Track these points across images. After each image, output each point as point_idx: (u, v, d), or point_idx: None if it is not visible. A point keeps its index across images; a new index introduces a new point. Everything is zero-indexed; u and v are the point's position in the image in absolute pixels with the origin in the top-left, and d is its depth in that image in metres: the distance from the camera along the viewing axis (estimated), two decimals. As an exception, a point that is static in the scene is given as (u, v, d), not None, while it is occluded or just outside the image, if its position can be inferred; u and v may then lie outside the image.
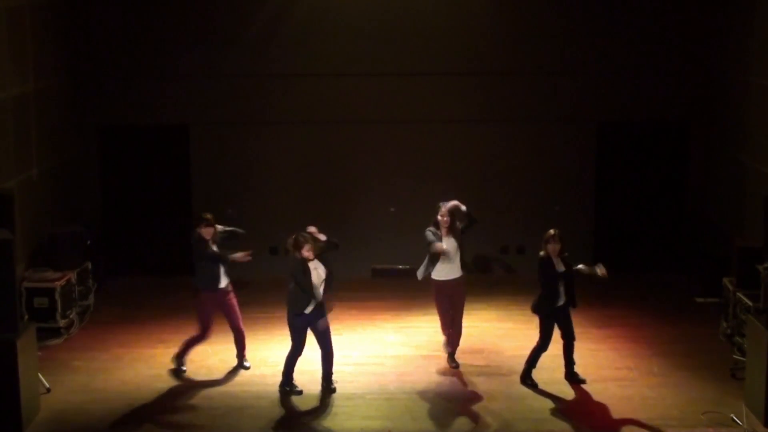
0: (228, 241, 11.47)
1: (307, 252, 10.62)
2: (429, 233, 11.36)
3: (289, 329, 10.95)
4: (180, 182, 15.20)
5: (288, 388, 10.95)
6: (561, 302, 10.90)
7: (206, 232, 11.25)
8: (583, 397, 10.84)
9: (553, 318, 10.95)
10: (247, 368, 11.62)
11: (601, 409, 10.54)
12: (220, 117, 14.99)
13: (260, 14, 14.77)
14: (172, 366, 11.56)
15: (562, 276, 10.80)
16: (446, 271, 11.40)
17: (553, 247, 10.78)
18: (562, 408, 10.61)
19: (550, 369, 11.23)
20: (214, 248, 11.28)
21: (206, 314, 11.43)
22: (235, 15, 14.78)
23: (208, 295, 11.35)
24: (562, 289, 10.85)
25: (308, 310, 10.71)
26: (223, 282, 11.39)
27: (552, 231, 10.86)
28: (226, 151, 15.12)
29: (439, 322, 11.75)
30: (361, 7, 14.77)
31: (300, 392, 10.92)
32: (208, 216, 11.33)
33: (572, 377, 11.16)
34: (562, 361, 11.28)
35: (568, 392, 10.94)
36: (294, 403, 10.70)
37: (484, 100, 14.95)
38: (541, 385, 11.03)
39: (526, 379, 11.11)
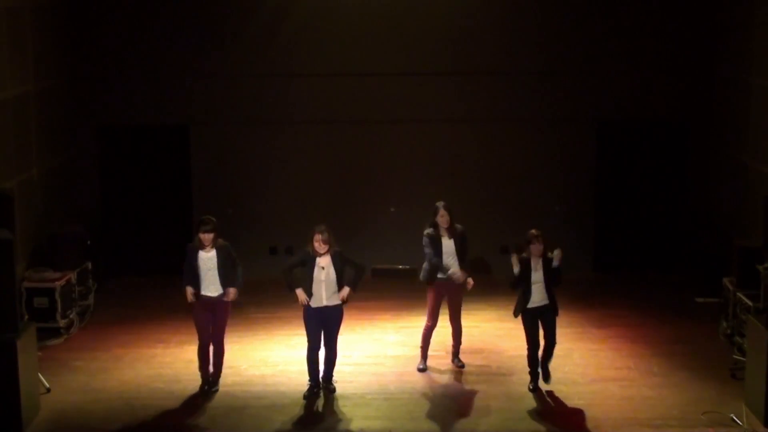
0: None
1: (316, 243, 10.60)
2: (425, 239, 11.32)
3: None
4: (180, 182, 15.20)
5: (310, 383, 10.89)
6: (538, 304, 10.78)
7: (204, 239, 10.73)
8: (583, 397, 10.84)
9: (529, 317, 10.82)
10: (215, 391, 11.07)
11: (601, 409, 10.53)
12: (220, 117, 14.99)
13: (260, 14, 14.77)
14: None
15: (539, 277, 10.73)
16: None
17: (536, 248, 10.70)
18: (562, 408, 10.61)
19: (551, 369, 11.21)
20: (209, 256, 10.78)
21: (193, 317, 11.08)
22: (235, 15, 14.79)
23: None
24: (537, 291, 10.74)
25: (312, 303, 10.69)
26: (208, 290, 10.85)
27: (534, 231, 10.76)
28: (226, 151, 15.12)
29: (426, 322, 11.58)
30: (361, 7, 14.77)
31: (314, 393, 10.85)
32: (207, 218, 10.85)
33: (543, 375, 11.02)
34: (561, 362, 11.29)
35: (568, 392, 10.93)
36: (294, 404, 10.69)
37: (484, 100, 14.95)
38: (541, 385, 11.01)
39: (530, 383, 11.05)
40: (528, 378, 11.06)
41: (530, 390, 10.95)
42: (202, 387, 11.01)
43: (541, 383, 11.01)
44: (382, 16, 14.79)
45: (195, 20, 14.77)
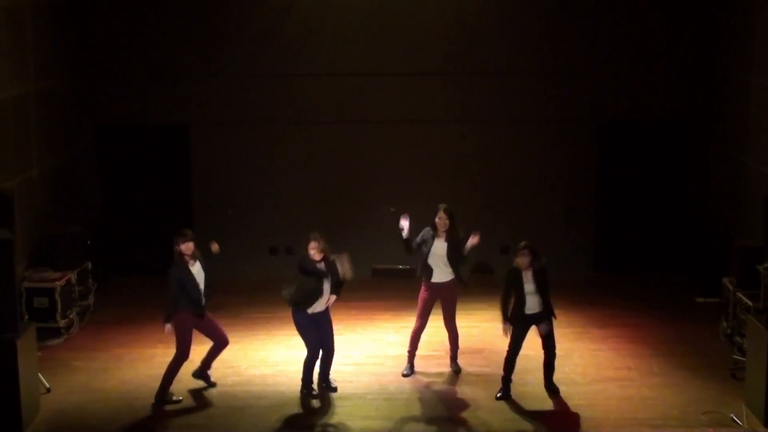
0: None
1: (312, 251, 10.59)
2: (421, 234, 11.34)
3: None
4: (180, 182, 15.20)
5: (305, 391, 10.87)
6: (533, 311, 10.64)
7: (185, 248, 10.68)
8: (583, 397, 10.84)
9: (521, 321, 10.67)
10: (213, 385, 11.16)
11: (601, 409, 10.54)
12: (220, 117, 14.99)
13: (260, 14, 14.77)
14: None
15: (530, 288, 10.61)
16: (437, 273, 11.33)
17: (521, 260, 10.56)
18: (562, 408, 10.62)
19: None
20: (198, 268, 10.74)
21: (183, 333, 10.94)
22: (235, 15, 14.78)
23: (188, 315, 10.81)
24: (530, 300, 10.61)
25: (309, 309, 10.68)
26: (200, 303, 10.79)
27: (522, 243, 10.63)
28: (226, 151, 15.12)
29: (414, 324, 11.53)
30: (360, 7, 14.77)
31: (314, 394, 10.86)
32: (186, 231, 10.81)
33: (548, 387, 10.98)
34: (561, 362, 11.26)
35: (568, 392, 10.93)
36: (294, 404, 10.70)
37: (484, 100, 14.95)
38: (540, 386, 11.01)
39: (503, 390, 10.93)
40: (528, 380, 11.08)
41: (497, 398, 10.78)
42: (170, 399, 10.75)
43: (517, 389, 10.89)
44: (382, 16, 14.78)
45: (195, 20, 14.77)
